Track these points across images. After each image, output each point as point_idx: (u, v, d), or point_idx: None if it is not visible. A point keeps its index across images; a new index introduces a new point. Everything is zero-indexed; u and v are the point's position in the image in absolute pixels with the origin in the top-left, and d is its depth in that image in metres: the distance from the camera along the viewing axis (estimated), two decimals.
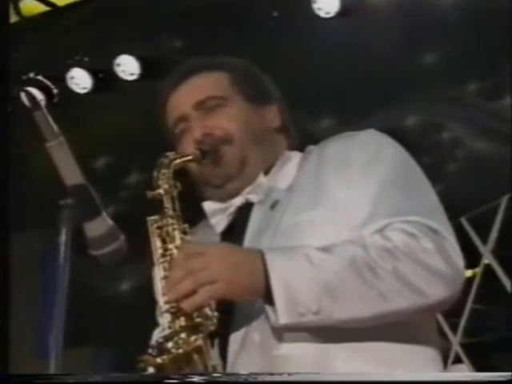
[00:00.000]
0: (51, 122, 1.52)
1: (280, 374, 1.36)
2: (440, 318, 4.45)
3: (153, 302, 1.73)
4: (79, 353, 4.59)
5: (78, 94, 4.41)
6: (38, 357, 1.53)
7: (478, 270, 5.15)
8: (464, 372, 5.13)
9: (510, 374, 1.22)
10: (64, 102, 4.19)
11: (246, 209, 1.71)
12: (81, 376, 1.29)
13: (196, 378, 1.30)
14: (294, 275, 1.49)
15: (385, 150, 1.67)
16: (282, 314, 1.47)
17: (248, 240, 1.66)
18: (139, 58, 4.29)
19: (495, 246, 5.11)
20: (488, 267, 5.13)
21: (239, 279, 1.48)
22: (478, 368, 5.12)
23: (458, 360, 5.22)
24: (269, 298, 1.49)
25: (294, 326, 1.49)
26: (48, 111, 1.53)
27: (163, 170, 1.63)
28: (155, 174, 1.63)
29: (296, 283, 1.48)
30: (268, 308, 1.50)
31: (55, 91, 4.20)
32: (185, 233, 1.60)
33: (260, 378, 1.30)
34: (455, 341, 5.22)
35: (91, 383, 1.31)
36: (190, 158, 1.69)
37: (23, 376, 1.28)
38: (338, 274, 1.50)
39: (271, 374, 1.35)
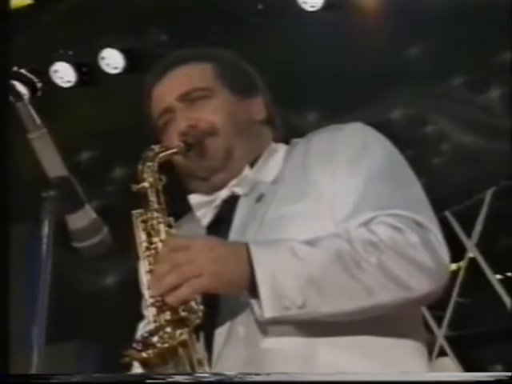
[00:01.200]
0: (33, 113, 1.50)
1: (267, 374, 1.35)
2: (425, 311, 4.47)
3: (138, 296, 1.73)
4: (63, 347, 4.57)
5: (62, 88, 4.39)
6: (21, 350, 1.52)
7: (463, 263, 5.17)
8: (448, 365, 5.15)
9: (509, 373, 1.23)
10: (48, 96, 4.17)
11: (232, 201, 1.70)
12: (81, 376, 1.28)
13: (181, 378, 1.29)
14: (279, 269, 1.48)
15: (371, 143, 1.66)
16: (267, 307, 1.47)
17: (233, 233, 1.65)
18: (124, 52, 4.28)
19: (480, 240, 5.13)
20: (472, 261, 5.15)
21: (224, 273, 1.48)
22: (463, 361, 5.14)
23: (442, 353, 5.24)
24: (254, 292, 1.48)
25: (279, 320, 1.49)
26: (32, 105, 1.52)
27: (148, 163, 1.62)
28: (140, 167, 1.62)
29: (281, 277, 1.48)
30: (253, 301, 1.49)
31: (39, 85, 4.18)
32: (170, 226, 1.59)
33: (248, 378, 1.29)
34: (440, 334, 5.25)
35: (91, 383, 1.30)
36: (174, 150, 1.68)
37: (23, 376, 1.27)
38: (323, 267, 1.49)
39: (257, 374, 1.34)
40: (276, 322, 1.49)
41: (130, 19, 4.14)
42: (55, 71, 4.35)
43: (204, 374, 1.44)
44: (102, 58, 4.29)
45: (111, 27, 4.23)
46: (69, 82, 4.37)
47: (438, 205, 1.67)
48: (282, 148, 1.77)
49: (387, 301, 1.51)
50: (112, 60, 4.29)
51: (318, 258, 1.50)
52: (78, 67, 4.36)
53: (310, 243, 1.51)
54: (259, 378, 1.32)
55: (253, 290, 1.48)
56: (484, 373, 1.25)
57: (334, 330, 1.53)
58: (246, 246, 1.50)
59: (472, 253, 5.16)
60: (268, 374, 1.36)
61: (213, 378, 1.34)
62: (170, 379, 1.31)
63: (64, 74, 4.36)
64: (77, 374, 1.30)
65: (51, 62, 4.33)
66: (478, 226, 5.12)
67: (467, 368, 5.08)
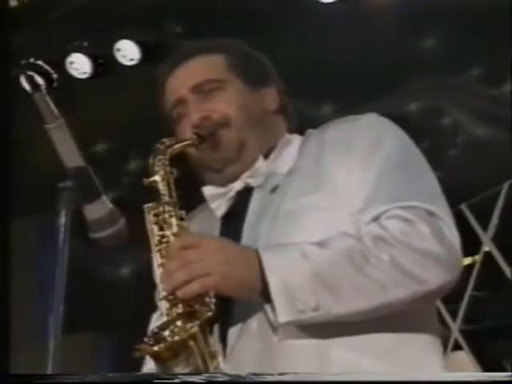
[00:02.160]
0: (51, 104, 1.51)
1: (280, 374, 1.35)
2: (440, 305, 4.46)
3: (153, 287, 1.73)
4: (79, 338, 4.60)
5: (78, 80, 4.40)
6: (38, 342, 1.53)
7: (478, 257, 5.16)
8: (463, 359, 5.14)
9: (511, 374, 1.22)
10: (64, 88, 4.18)
11: (246, 193, 1.70)
12: (81, 376, 1.29)
13: (192, 378, 1.29)
14: (291, 273, 1.47)
15: (386, 134, 1.65)
16: (281, 312, 1.46)
17: (248, 224, 1.64)
18: (139, 43, 4.28)
19: (495, 233, 5.11)
20: (488, 254, 5.14)
21: (233, 274, 1.47)
22: (478, 355, 5.13)
23: (457, 347, 5.23)
24: (267, 297, 1.48)
25: (294, 323, 1.48)
26: (48, 96, 1.52)
27: (159, 157, 1.62)
28: (151, 160, 1.62)
29: (293, 281, 1.47)
30: (267, 306, 1.48)
31: (55, 76, 4.19)
32: (181, 219, 1.59)
33: (259, 378, 1.29)
34: (455, 328, 5.24)
35: (92, 383, 1.30)
36: (187, 143, 1.68)
37: (23, 376, 1.28)
38: (334, 268, 1.48)
39: (270, 375, 1.33)
40: (291, 325, 1.49)
41: (146, 11, 4.14)
42: (71, 63, 4.35)
43: (215, 373, 1.44)
44: (118, 49, 4.29)
45: (127, 19, 4.23)
46: (84, 73, 4.38)
47: (454, 198, 1.67)
48: (296, 139, 1.76)
49: (402, 296, 1.50)
50: (128, 51, 4.29)
51: (329, 258, 1.49)
52: (93, 59, 4.36)
53: (320, 244, 1.50)
54: (271, 378, 1.31)
55: (265, 294, 1.47)
56: (501, 373, 1.25)
57: (347, 325, 1.52)
58: (256, 251, 1.49)
59: (488, 246, 5.14)
60: (280, 374, 1.35)
61: (223, 378, 1.34)
62: (177, 379, 1.31)
63: (80, 65, 4.36)
64: (77, 373, 1.29)
65: (67, 53, 4.34)
66: (494, 220, 5.10)
67: (482, 362, 5.07)
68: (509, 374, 1.24)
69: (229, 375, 1.38)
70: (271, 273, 1.47)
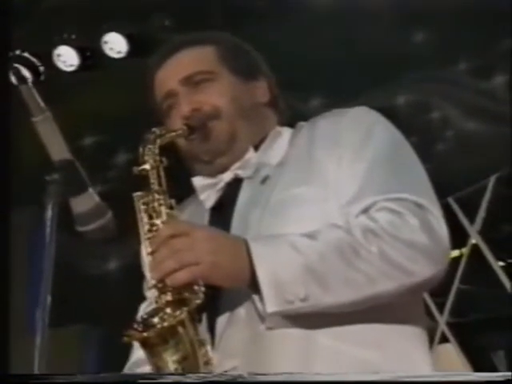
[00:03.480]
0: (37, 96, 1.50)
1: (275, 374, 1.35)
2: (427, 297, 4.48)
3: (140, 280, 1.73)
4: (66, 331, 4.60)
5: (65, 72, 4.38)
6: (25, 334, 1.53)
7: (465, 250, 5.18)
8: (450, 351, 5.17)
9: (509, 373, 1.24)
10: (51, 80, 4.16)
11: (236, 184, 1.70)
12: (82, 376, 1.30)
13: (180, 378, 1.30)
14: (280, 264, 1.48)
15: (375, 127, 1.66)
16: (270, 302, 1.47)
17: (237, 215, 1.65)
18: (127, 36, 4.26)
19: (482, 226, 5.14)
20: (475, 247, 5.16)
21: (222, 264, 1.48)
22: (464, 347, 5.16)
23: (444, 339, 5.26)
24: (255, 287, 1.48)
25: (282, 314, 1.49)
26: (35, 89, 1.51)
27: (149, 146, 1.62)
28: (141, 149, 1.61)
29: (282, 272, 1.47)
30: (255, 297, 1.49)
31: (41, 69, 4.17)
32: (171, 208, 1.59)
33: (249, 379, 1.29)
34: (442, 320, 5.26)
35: (94, 383, 1.30)
36: (176, 133, 1.68)
37: (23, 376, 1.28)
38: (323, 259, 1.49)
39: (264, 374, 1.33)
40: (279, 315, 1.49)
41: (133, 3, 4.12)
42: (58, 55, 4.33)
43: (207, 374, 1.44)
44: (106, 42, 4.27)
45: (114, 11, 4.21)
46: (72, 66, 4.36)
47: (442, 191, 1.67)
48: (287, 131, 1.77)
49: (390, 288, 1.50)
50: (115, 44, 4.27)
51: (318, 250, 1.49)
52: (81, 51, 4.34)
53: (310, 236, 1.51)
54: (264, 378, 1.31)
55: (254, 285, 1.48)
56: (493, 373, 1.26)
57: (335, 315, 1.52)
58: (245, 241, 1.50)
59: (475, 239, 5.17)
60: (274, 374, 1.35)
61: (214, 378, 1.34)
62: (162, 379, 1.32)
63: (67, 58, 4.34)
64: (72, 373, 1.29)
65: (54, 45, 4.32)
66: (481, 213, 5.12)
67: (469, 354, 5.10)
68: (506, 373, 1.24)
69: (220, 375, 1.38)
70: (260, 264, 1.47)
